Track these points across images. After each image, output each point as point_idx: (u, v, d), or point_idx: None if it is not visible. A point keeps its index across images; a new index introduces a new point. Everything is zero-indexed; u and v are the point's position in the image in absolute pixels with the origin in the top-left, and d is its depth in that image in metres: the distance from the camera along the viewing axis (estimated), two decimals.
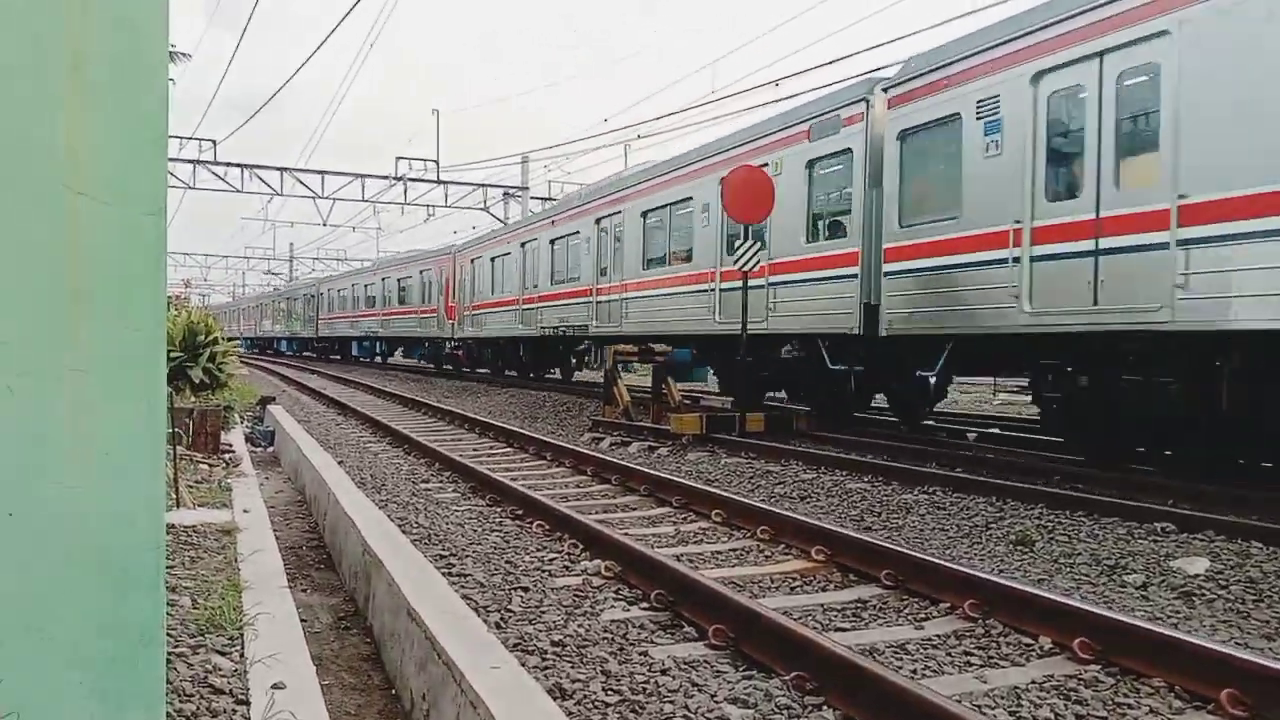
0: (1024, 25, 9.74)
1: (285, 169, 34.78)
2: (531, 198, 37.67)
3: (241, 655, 3.85)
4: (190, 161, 32.60)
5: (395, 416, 17.44)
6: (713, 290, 15.14)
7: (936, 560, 5.67)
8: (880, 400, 15.66)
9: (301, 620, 4.80)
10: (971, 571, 5.37)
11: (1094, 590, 5.67)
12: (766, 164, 13.62)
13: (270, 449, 13.07)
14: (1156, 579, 5.85)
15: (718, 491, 8.35)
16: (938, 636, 4.75)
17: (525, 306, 24.82)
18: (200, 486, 7.95)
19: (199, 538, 6.03)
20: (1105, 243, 8.73)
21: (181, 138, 32.38)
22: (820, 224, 13.13)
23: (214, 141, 32.90)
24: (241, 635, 4.08)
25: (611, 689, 3.88)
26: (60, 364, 1.53)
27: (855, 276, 12.07)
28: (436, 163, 35.47)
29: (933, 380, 11.52)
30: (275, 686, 3.53)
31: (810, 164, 13.00)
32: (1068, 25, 9.16)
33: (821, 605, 5.35)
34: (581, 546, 6.49)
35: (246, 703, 3.39)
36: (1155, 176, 8.34)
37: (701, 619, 4.76)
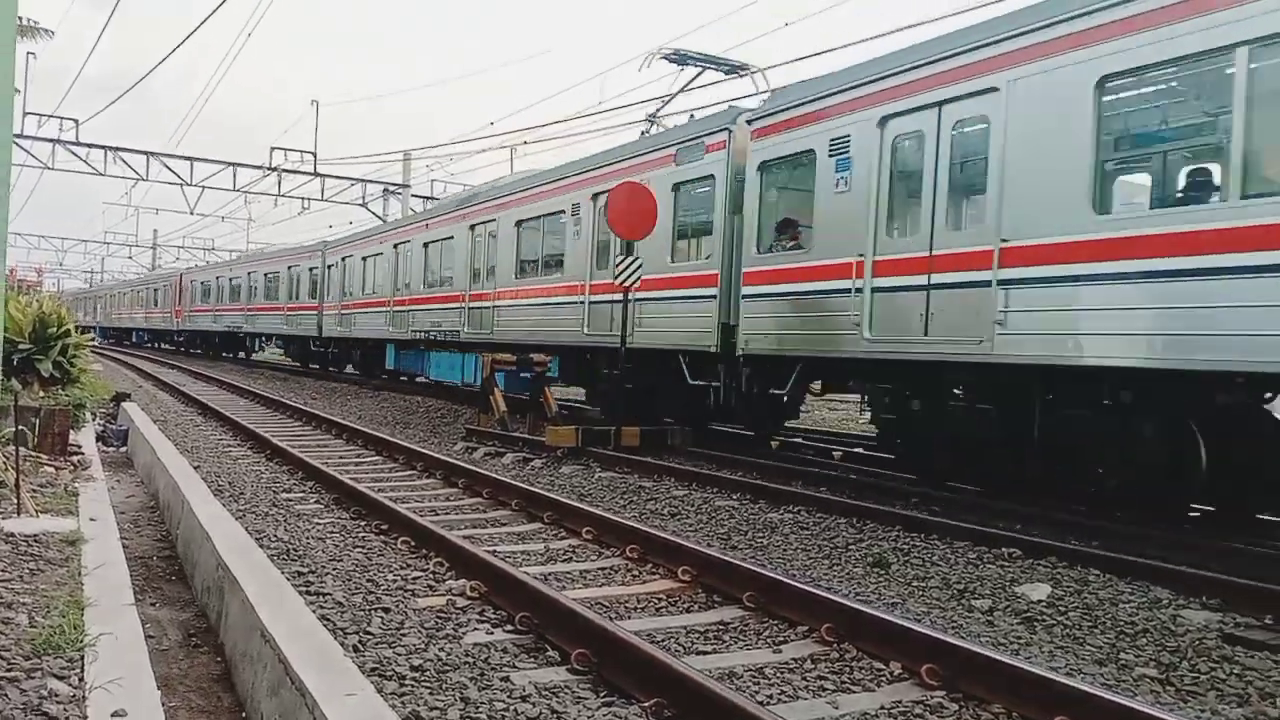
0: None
1: (152, 153, 33.28)
2: (413, 195, 37.03)
3: (81, 679, 3.68)
4: (49, 140, 30.90)
5: (259, 419, 16.91)
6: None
7: (796, 584, 5.82)
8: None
9: (149, 637, 4.62)
10: (829, 596, 5.53)
11: (944, 614, 5.91)
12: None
13: (123, 449, 12.48)
14: (1002, 604, 6.14)
15: (588, 508, 8.37)
16: (794, 660, 4.88)
17: (217, 313, 43.50)
18: (45, 491, 7.55)
19: (40, 548, 5.73)
20: None
21: (41, 115, 30.67)
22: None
23: (76, 121, 31.25)
24: (82, 657, 3.90)
25: (470, 717, 3.85)
26: None
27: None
28: (314, 155, 34.48)
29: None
30: (117, 714, 3.39)
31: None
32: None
33: (685, 627, 5.42)
34: (447, 565, 6.41)
35: None
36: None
37: (565, 643, 4.77)
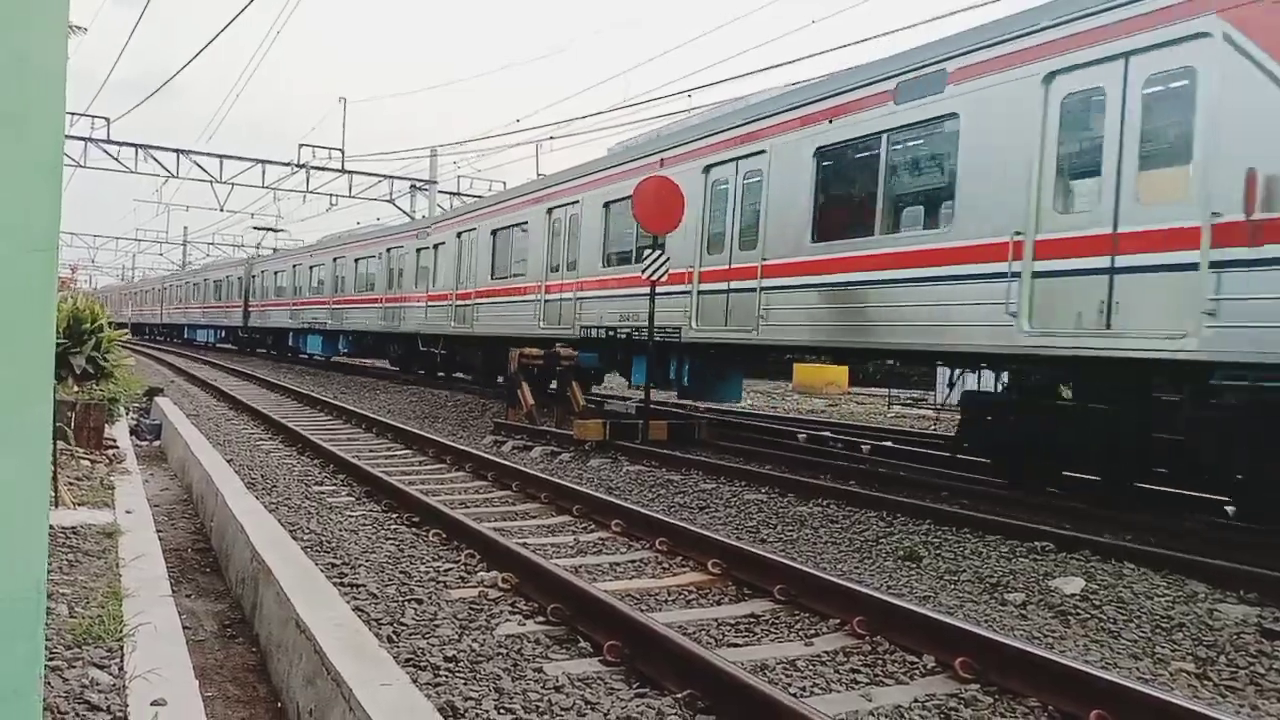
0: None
1: (182, 151, 33.58)
2: (440, 191, 37.16)
3: (121, 669, 3.73)
4: (81, 139, 31.24)
5: (289, 413, 17.04)
6: None
7: (827, 577, 5.80)
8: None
9: (185, 628, 4.67)
10: (861, 589, 5.51)
11: (976, 608, 5.86)
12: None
13: (156, 442, 12.63)
14: (1035, 598, 6.09)
15: (618, 501, 8.38)
16: (827, 653, 4.86)
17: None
18: (81, 484, 7.65)
19: (79, 540, 5.81)
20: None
21: (73, 114, 30.99)
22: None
23: (107, 119, 31.56)
24: (122, 647, 3.95)
25: (504, 707, 3.86)
26: None
27: None
28: (341, 151, 34.68)
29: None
30: (156, 703, 3.43)
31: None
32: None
33: (716, 620, 5.42)
34: (478, 557, 6.44)
35: None
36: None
37: (597, 634, 4.78)
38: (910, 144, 10.20)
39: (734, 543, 6.73)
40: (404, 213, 36.39)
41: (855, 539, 7.75)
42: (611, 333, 15.35)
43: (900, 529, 8.06)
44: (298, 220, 78.98)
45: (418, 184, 37.30)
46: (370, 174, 36.37)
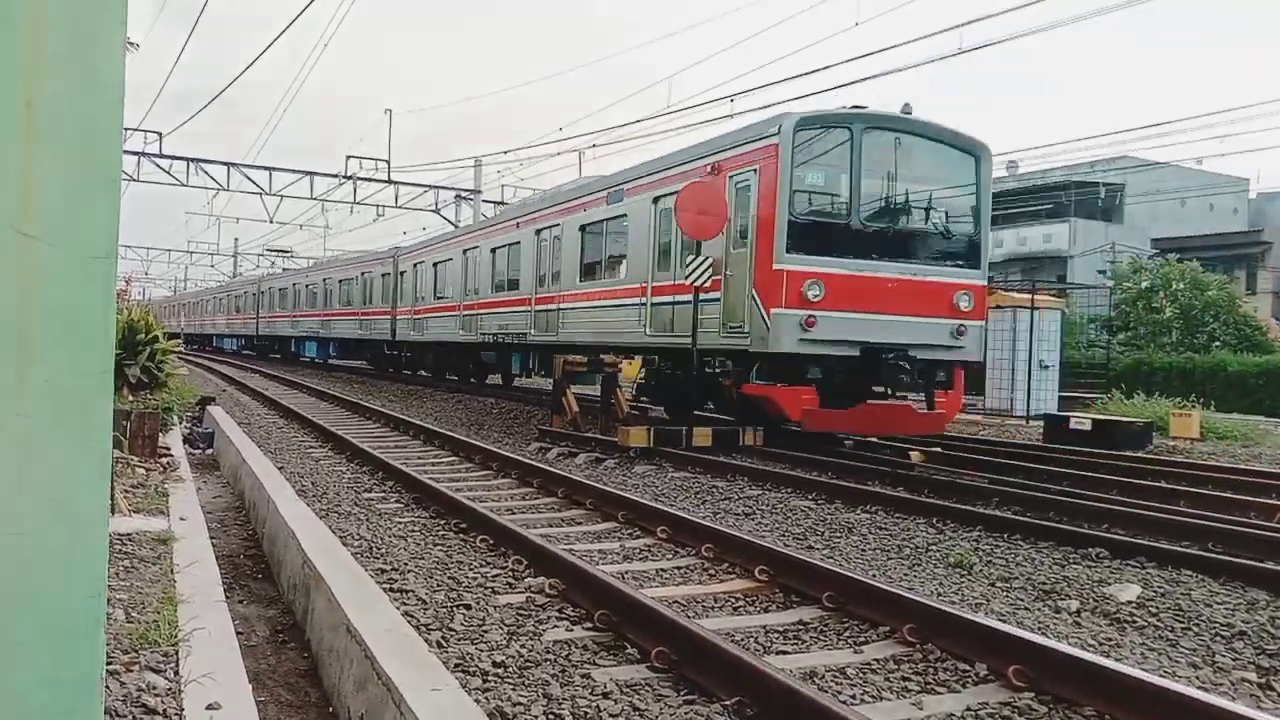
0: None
1: (232, 164, 34.25)
2: (484, 201, 37.48)
3: (176, 673, 3.79)
4: (135, 153, 31.94)
5: (337, 420, 17.24)
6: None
7: (876, 584, 5.74)
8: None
9: (238, 633, 4.73)
10: (911, 596, 5.44)
11: (1029, 615, 5.77)
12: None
13: (209, 451, 12.84)
14: (1090, 605, 5.98)
15: (663, 508, 8.36)
16: (877, 661, 4.81)
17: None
18: (136, 491, 7.80)
19: (134, 546, 5.93)
20: None
21: (127, 129, 31.66)
22: None
23: (160, 134, 32.27)
24: (177, 651, 4.01)
25: (553, 713, 3.87)
26: (6, 411, 1.49)
27: None
28: (388, 163, 35.17)
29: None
30: (211, 707, 3.48)
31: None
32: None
33: (764, 627, 5.38)
34: (525, 563, 6.46)
35: None
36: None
37: (644, 640, 4.76)
38: (614, 228, 17.08)
39: (781, 549, 6.69)
40: (449, 222, 36.80)
41: (904, 546, 7.66)
42: (494, 338, 22.41)
43: (950, 535, 7.96)
44: (346, 230, 79.75)
45: (462, 194, 37.68)
46: (415, 184, 36.87)
